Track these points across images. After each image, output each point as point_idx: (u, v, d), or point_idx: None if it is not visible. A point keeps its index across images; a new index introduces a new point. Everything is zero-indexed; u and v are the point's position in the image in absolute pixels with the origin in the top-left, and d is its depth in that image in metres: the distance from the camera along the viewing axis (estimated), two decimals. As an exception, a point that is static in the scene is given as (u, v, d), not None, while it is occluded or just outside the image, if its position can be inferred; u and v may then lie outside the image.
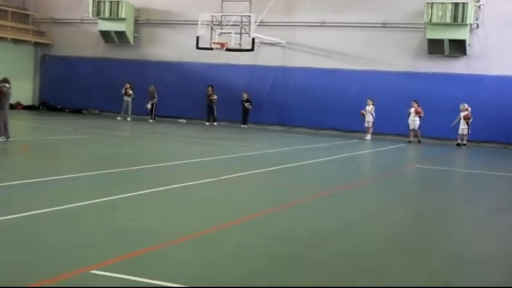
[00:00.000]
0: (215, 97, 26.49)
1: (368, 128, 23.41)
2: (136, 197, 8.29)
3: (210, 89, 26.60)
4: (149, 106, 26.33)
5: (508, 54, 22.95)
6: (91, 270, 4.87)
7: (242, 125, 26.34)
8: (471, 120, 22.05)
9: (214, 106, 26.61)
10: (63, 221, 6.64)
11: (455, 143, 22.32)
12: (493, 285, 5.38)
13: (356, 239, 6.72)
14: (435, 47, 23.97)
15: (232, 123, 26.64)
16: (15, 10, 29.61)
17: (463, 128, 22.15)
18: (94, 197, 7.90)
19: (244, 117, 26.58)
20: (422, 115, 22.63)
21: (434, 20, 23.25)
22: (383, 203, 9.34)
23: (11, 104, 14.72)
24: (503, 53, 23.10)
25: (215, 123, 26.47)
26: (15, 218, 6.49)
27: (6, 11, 28.90)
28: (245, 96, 26.41)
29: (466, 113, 22.03)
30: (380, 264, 5.72)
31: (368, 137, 23.30)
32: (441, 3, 23.16)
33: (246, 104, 26.37)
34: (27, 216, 6.62)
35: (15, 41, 29.41)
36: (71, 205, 7.30)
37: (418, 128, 22.89)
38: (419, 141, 22.75)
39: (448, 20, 23.10)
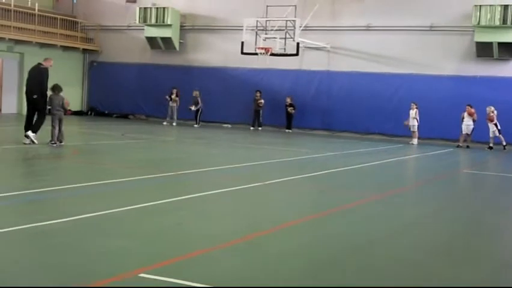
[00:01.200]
0: (262, 101, 26.52)
1: (414, 132, 23.08)
2: (183, 201, 8.35)
3: (258, 94, 26.62)
4: (193, 108, 26.46)
5: (560, 56, 22.34)
6: (139, 273, 4.92)
7: (286, 130, 26.32)
8: (494, 121, 21.70)
9: (261, 111, 26.65)
10: (110, 225, 6.73)
11: (503, 146, 21.88)
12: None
13: (402, 246, 6.61)
14: (483, 50, 23.50)
15: (276, 128, 26.68)
16: (64, 17, 30.30)
17: (493, 130, 21.85)
18: (141, 201, 8.00)
19: (289, 122, 26.56)
20: (475, 118, 22.22)
21: (483, 23, 22.81)
22: (430, 209, 9.18)
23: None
24: (555, 55, 22.49)
25: (260, 128, 26.51)
26: (63, 221, 6.61)
27: (55, 19, 29.60)
28: (288, 100, 26.39)
29: (491, 114, 21.74)
30: (426, 272, 5.61)
31: (415, 141, 22.97)
32: (490, 5, 22.71)
33: (289, 109, 26.35)
34: (76, 220, 6.73)
35: (64, 48, 30.09)
36: (118, 209, 7.39)
37: (471, 133, 22.49)
38: (468, 146, 22.32)
39: (497, 23, 22.63)
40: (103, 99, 31.15)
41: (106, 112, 30.84)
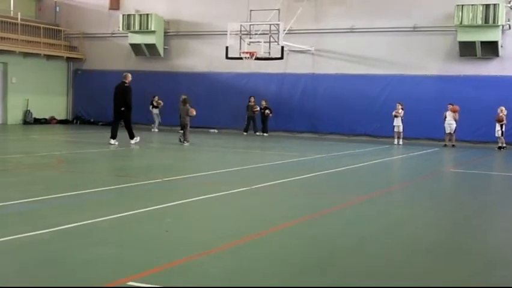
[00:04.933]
0: (258, 108, 26.43)
1: (399, 132, 23.18)
2: (170, 208, 8.32)
3: (252, 99, 26.52)
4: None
5: (542, 54, 22.55)
6: (128, 282, 4.89)
7: (264, 134, 26.30)
8: (504, 122, 21.67)
9: (255, 117, 26.57)
10: (97, 234, 6.69)
11: (497, 146, 21.92)
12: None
13: (391, 245, 6.63)
14: (466, 50, 23.68)
15: (261, 132, 26.65)
16: (47, 26, 30.17)
17: (497, 130, 21.80)
18: (128, 209, 7.96)
19: (264, 125, 26.60)
20: (457, 118, 22.21)
21: (465, 22, 22.99)
22: (415, 209, 9.21)
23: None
24: (537, 53, 22.70)
25: (265, 134, 26.39)
26: (49, 232, 6.55)
27: (38, 27, 29.47)
28: (263, 103, 26.45)
29: (500, 115, 21.67)
30: (414, 271, 5.63)
31: (400, 142, 23.08)
32: (472, 5, 22.89)
33: (266, 112, 26.40)
34: (62, 230, 6.68)
35: (48, 57, 29.97)
36: (106, 218, 7.35)
37: (454, 132, 22.58)
38: (453, 145, 22.44)
39: (479, 22, 22.81)
40: (88, 107, 31.03)
41: (92, 120, 30.72)
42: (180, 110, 19.52)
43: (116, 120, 18.41)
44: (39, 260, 5.55)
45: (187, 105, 19.41)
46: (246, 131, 26.64)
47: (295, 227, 7.49)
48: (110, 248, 6.00)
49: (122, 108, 18.13)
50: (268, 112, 26.46)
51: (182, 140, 19.20)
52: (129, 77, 18.56)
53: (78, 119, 31.21)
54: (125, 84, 18.30)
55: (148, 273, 5.18)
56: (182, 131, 19.46)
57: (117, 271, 5.24)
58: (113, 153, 16.83)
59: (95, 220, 7.19)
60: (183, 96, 19.77)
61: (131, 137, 18.48)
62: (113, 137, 18.12)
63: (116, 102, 18.32)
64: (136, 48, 29.56)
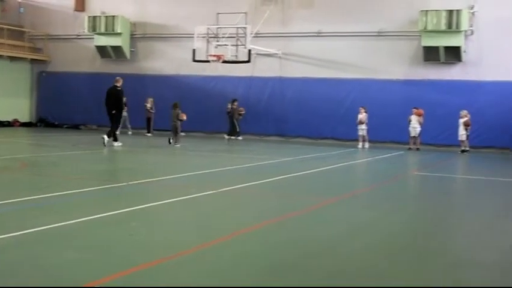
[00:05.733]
0: (243, 111, 26.26)
1: (364, 136, 23.40)
2: (135, 212, 8.25)
3: (235, 103, 26.31)
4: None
5: (503, 59, 23.02)
6: (93, 286, 4.84)
7: (230, 137, 26.27)
8: (469, 125, 22.04)
9: (239, 119, 26.39)
10: (62, 238, 6.60)
11: (460, 149, 22.25)
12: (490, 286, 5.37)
13: (356, 247, 6.69)
14: (430, 55, 24.05)
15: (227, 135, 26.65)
16: (10, 27, 29.70)
17: (461, 134, 22.15)
18: (93, 212, 7.86)
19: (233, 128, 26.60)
20: (421, 121, 22.51)
21: (429, 28, 23.35)
22: (382, 211, 9.31)
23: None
24: (498, 58, 23.16)
25: (240, 138, 26.19)
26: (12, 236, 6.45)
27: (2, 29, 29.00)
28: (229, 106, 26.45)
29: (466, 119, 22.02)
30: (379, 272, 5.70)
31: (366, 145, 23.31)
32: (436, 10, 23.27)
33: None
34: (25, 234, 6.58)
35: (12, 59, 29.50)
36: (70, 222, 7.25)
37: (418, 135, 22.89)
38: (418, 149, 22.75)
39: (443, 27, 23.20)
40: (53, 110, 30.62)
41: (57, 123, 30.32)
42: (172, 114, 20.72)
43: (113, 123, 19.15)
44: (0, 264, 5.45)
45: (178, 109, 20.64)
46: (233, 135, 26.31)
47: (263, 230, 7.51)
48: (75, 253, 5.93)
49: (114, 111, 18.91)
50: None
51: (172, 141, 20.38)
52: (120, 81, 19.38)
53: (42, 122, 30.76)
54: (117, 88, 19.17)
55: (113, 277, 5.13)
56: (173, 133, 20.73)
57: (82, 275, 5.17)
58: (79, 156, 16.64)
59: (60, 224, 7.09)
60: (174, 102, 21.14)
61: (109, 135, 18.94)
62: (108, 136, 18.85)
63: (108, 105, 19.04)
64: (101, 50, 29.28)
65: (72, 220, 7.33)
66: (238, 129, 26.41)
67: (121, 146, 18.79)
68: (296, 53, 26.49)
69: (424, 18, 23.39)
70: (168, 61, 28.39)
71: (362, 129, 23.32)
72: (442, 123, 23.40)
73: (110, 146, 18.51)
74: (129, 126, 26.40)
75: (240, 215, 8.68)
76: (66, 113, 30.00)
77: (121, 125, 26.38)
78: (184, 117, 20.73)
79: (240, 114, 26.35)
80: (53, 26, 30.64)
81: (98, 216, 7.69)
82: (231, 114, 26.18)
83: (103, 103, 19.36)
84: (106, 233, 6.93)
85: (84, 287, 4.84)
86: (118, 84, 19.27)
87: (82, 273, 5.26)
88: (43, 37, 30.79)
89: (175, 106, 20.91)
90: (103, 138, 18.80)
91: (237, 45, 23.75)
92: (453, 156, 21.23)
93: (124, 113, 26.40)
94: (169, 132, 26.78)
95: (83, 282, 4.92)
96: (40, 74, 31.20)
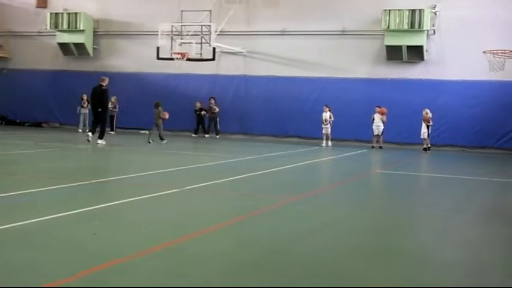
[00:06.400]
0: (217, 109, 26.23)
1: (327, 134, 23.57)
2: (98, 211, 8.18)
3: (212, 101, 26.27)
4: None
5: (465, 59, 23.42)
6: (54, 285, 4.79)
7: (194, 135, 26.29)
8: (431, 123, 22.35)
9: (218, 119, 26.35)
10: (22, 237, 6.51)
11: (422, 147, 22.55)
12: (452, 285, 5.47)
13: (319, 246, 6.75)
14: (393, 54, 24.35)
15: (191, 133, 26.57)
16: (-30, 23, 29.08)
17: (423, 131, 22.46)
18: (54, 211, 7.77)
19: (202, 126, 26.56)
20: (385, 120, 22.77)
21: (392, 27, 23.64)
22: (344, 209, 9.41)
23: None
24: (459, 58, 23.57)
25: (217, 136, 26.24)
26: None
27: (-39, 25, 28.36)
28: (198, 105, 26.41)
29: (426, 116, 22.28)
30: (342, 271, 5.76)
31: (329, 143, 23.48)
32: (398, 10, 23.57)
33: (202, 113, 26.37)
34: (-14, 233, 6.47)
35: (-29, 55, 28.88)
36: (31, 221, 7.16)
37: (382, 134, 23.15)
38: (381, 147, 23.01)
39: (405, 27, 23.51)
40: (15, 107, 30.10)
41: (18, 121, 29.81)
42: (154, 113, 21.35)
43: (96, 120, 19.50)
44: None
45: (160, 108, 21.27)
46: (208, 133, 26.45)
47: (227, 228, 7.52)
48: (36, 252, 5.86)
49: (99, 109, 19.31)
50: (205, 113, 26.42)
51: (152, 141, 20.75)
52: (106, 80, 19.83)
53: (3, 120, 30.21)
54: (103, 87, 19.53)
55: (74, 277, 5.09)
56: (150, 132, 21.55)
57: (43, 275, 5.13)
58: (42, 154, 16.39)
59: (20, 223, 7.00)
60: (156, 102, 21.79)
61: (100, 137, 19.35)
62: (99, 137, 19.29)
63: (93, 104, 19.67)
64: (64, 47, 28.89)
65: (34, 219, 7.24)
66: (206, 129, 26.50)
67: (104, 144, 19.03)
68: (261, 52, 26.54)
69: (387, 18, 23.68)
70: (132, 59, 28.16)
71: (326, 128, 23.48)
72: (405, 121, 23.73)
73: (95, 144, 18.81)
74: (87, 124, 26.13)
75: (205, 213, 8.68)
76: (28, 110, 29.52)
77: (83, 123, 26.21)
78: (167, 116, 21.20)
79: (213, 112, 26.35)
80: (14, 22, 30.10)
81: (60, 215, 7.60)
82: (205, 113, 26.18)
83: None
84: (68, 232, 6.85)
85: (45, 287, 4.79)
86: (104, 83, 19.65)
87: (44, 272, 5.21)
88: (4, 34, 30.21)
89: (156, 105, 21.43)
90: (88, 135, 19.35)
91: (201, 43, 23.68)
92: (415, 154, 21.54)
93: (84, 111, 26.13)
94: (133, 130, 26.65)
95: (43, 283, 4.87)
96: (1, 71, 30.62)
